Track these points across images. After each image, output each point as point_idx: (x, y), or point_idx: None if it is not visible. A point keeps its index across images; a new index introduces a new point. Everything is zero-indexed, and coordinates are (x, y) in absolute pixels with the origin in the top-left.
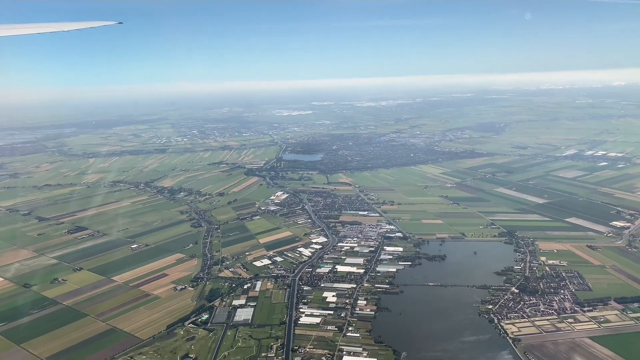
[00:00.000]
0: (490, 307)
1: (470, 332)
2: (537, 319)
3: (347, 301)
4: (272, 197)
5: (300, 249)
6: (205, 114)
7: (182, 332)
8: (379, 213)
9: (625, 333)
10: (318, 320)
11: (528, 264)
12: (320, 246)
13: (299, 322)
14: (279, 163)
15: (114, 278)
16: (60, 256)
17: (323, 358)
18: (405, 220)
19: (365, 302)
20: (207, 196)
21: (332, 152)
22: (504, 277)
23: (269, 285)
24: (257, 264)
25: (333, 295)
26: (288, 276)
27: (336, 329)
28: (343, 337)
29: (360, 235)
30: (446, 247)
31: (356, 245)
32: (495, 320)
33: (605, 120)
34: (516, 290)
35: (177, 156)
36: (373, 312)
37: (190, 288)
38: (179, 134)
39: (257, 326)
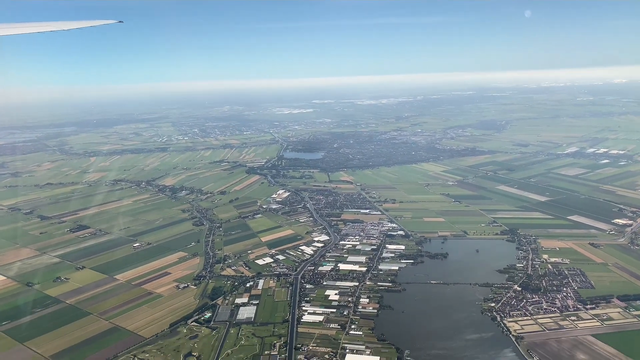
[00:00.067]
0: (492, 305)
1: (473, 330)
2: (539, 316)
3: (349, 299)
4: (274, 196)
5: (303, 247)
6: (206, 112)
7: (185, 331)
8: (380, 211)
9: (628, 331)
10: (321, 318)
11: (530, 262)
12: (322, 244)
13: (302, 320)
14: (280, 161)
15: (117, 277)
16: (62, 255)
17: (326, 356)
18: (407, 219)
19: (367, 300)
20: (209, 194)
21: (333, 150)
22: (507, 275)
23: (272, 283)
24: (260, 262)
25: (335, 294)
26: (290, 274)
27: (339, 327)
28: (346, 335)
29: (362, 234)
30: (448, 245)
31: (358, 243)
32: (498, 318)
33: (607, 118)
34: (519, 288)
35: (178, 155)
36: (375, 310)
37: (192, 286)
38: (179, 132)
39: (260, 324)
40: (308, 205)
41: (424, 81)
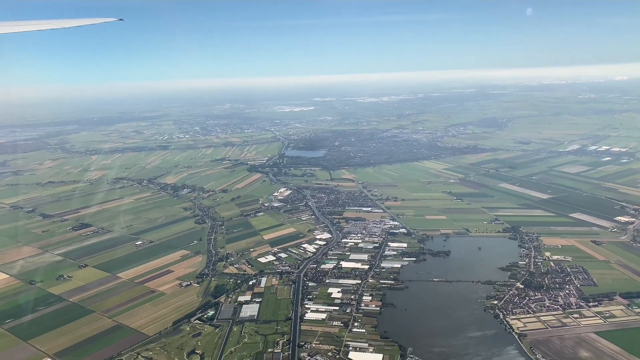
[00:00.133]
0: (495, 302)
1: (476, 328)
2: (542, 314)
3: (352, 297)
4: (276, 194)
5: (305, 245)
6: (207, 110)
7: (188, 328)
8: (382, 209)
9: (631, 328)
10: (323, 316)
11: (533, 260)
12: (325, 242)
13: (305, 317)
14: (281, 159)
15: (119, 275)
16: (65, 253)
17: (329, 353)
18: (409, 216)
19: (370, 297)
20: (211, 193)
21: (334, 148)
22: (509, 273)
23: (274, 281)
24: (262, 260)
25: (338, 291)
26: (293, 272)
27: (342, 324)
28: (349, 332)
29: (364, 232)
30: (450, 242)
31: (360, 241)
32: (501, 316)
33: (608, 115)
34: (521, 286)
35: (180, 153)
36: (378, 308)
37: (195, 284)
38: (181, 130)
39: (263, 322)
40: (310, 203)
41: (425, 79)
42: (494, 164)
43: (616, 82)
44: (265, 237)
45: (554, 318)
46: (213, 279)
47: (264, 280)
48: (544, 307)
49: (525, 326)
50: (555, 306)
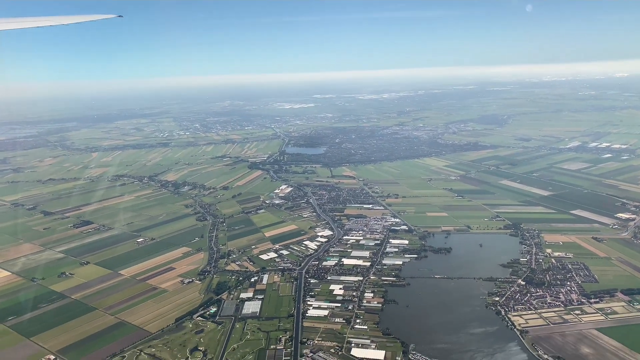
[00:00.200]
0: (497, 299)
1: (478, 324)
2: (544, 310)
3: (354, 294)
4: (277, 191)
5: (306, 242)
6: (207, 107)
7: (190, 325)
8: (383, 206)
9: (632, 324)
10: (326, 312)
11: (534, 256)
12: (326, 239)
13: (307, 314)
14: (282, 156)
15: (121, 272)
16: (66, 250)
17: (332, 350)
18: (410, 213)
19: (372, 294)
20: (212, 190)
21: (335, 145)
22: (510, 270)
23: (276, 278)
24: (264, 257)
25: (340, 288)
26: (295, 269)
27: (344, 321)
28: (351, 329)
29: (365, 229)
30: (452, 239)
31: (362, 238)
32: (502, 312)
33: (609, 112)
34: (522, 282)
35: (180, 150)
36: (380, 305)
37: (197, 281)
38: (181, 127)
39: (265, 319)
40: (311, 201)
41: (426, 75)
42: (494, 161)
43: (616, 79)
44: (267, 234)
45: (555, 314)
46: (215, 276)
47: (265, 277)
48: (546, 303)
49: (527, 323)
50: (557, 303)
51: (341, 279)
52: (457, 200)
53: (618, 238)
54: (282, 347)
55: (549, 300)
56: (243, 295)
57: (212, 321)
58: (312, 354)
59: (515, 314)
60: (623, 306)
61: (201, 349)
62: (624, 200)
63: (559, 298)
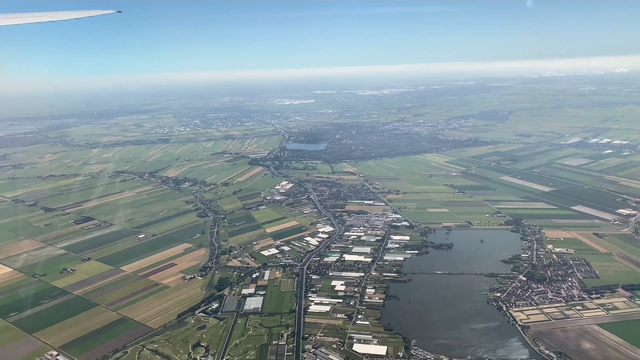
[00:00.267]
0: (498, 294)
1: (479, 320)
2: (545, 306)
3: (355, 290)
4: (277, 187)
5: (307, 239)
6: (207, 103)
7: (192, 321)
8: (384, 202)
9: (633, 320)
10: (327, 308)
11: (535, 252)
12: (327, 235)
13: (309, 310)
14: (282, 152)
15: (123, 268)
16: (67, 246)
17: (334, 345)
18: (411, 209)
19: (373, 290)
20: (212, 186)
21: (335, 141)
22: (512, 265)
23: (278, 274)
24: (265, 253)
25: (341, 284)
26: (296, 265)
27: (346, 317)
28: (353, 325)
29: (366, 225)
30: (453, 235)
31: (363, 234)
32: (504, 308)
33: (609, 108)
34: (524, 278)
35: (180, 146)
36: (382, 300)
37: (199, 277)
38: (181, 123)
39: (267, 314)
40: (312, 197)
41: (426, 71)
42: (495, 157)
43: (617, 75)
44: (268, 230)
45: (556, 310)
46: (216, 272)
47: (267, 273)
48: (547, 299)
49: (528, 318)
50: (558, 298)
51: (342, 274)
52: (457, 196)
53: (619, 234)
54: (284, 343)
55: (550, 296)
56: (245, 291)
57: (214, 317)
58: (314, 349)
59: (517, 309)
60: (624, 302)
61: (203, 344)
62: (625, 196)
63: (560, 294)
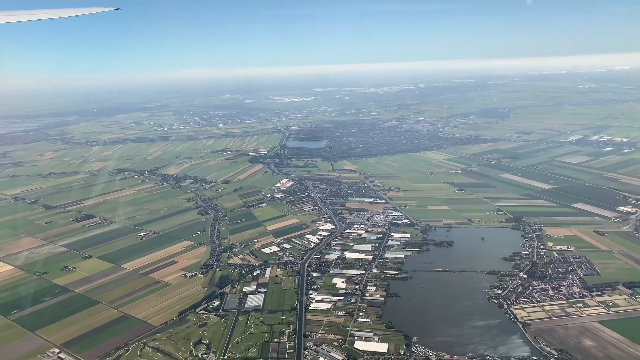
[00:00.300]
0: (499, 292)
1: (480, 317)
2: (546, 303)
3: (356, 287)
4: (278, 185)
5: (308, 236)
6: (207, 101)
7: (194, 319)
8: (385, 200)
9: (634, 317)
10: (328, 306)
11: (536, 250)
12: (328, 233)
13: (310, 307)
14: (282, 150)
15: (124, 265)
16: (68, 244)
17: (335, 343)
18: (412, 207)
19: (374, 288)
20: (213, 184)
21: (335, 139)
22: (512, 263)
23: (279, 271)
24: (266, 250)
25: (342, 282)
26: (297, 263)
27: (347, 314)
28: (354, 322)
29: (367, 222)
30: (453, 233)
31: (363, 232)
32: (505, 305)
33: (609, 105)
34: (525, 276)
35: (181, 144)
36: (383, 298)
37: (200, 275)
38: (181, 121)
39: (268, 312)
40: (312, 194)
41: (426, 69)
42: (495, 155)
43: (617, 72)
44: (269, 228)
45: (557, 307)
46: (218, 269)
47: (268, 270)
48: (548, 296)
49: (529, 315)
50: (559, 296)
51: (343, 272)
52: (458, 194)
53: (619, 231)
54: (286, 340)
55: (551, 294)
56: (246, 289)
57: (215, 314)
58: (315, 346)
59: (518, 307)
60: (625, 299)
61: (205, 342)
62: (626, 194)
63: (561, 291)
